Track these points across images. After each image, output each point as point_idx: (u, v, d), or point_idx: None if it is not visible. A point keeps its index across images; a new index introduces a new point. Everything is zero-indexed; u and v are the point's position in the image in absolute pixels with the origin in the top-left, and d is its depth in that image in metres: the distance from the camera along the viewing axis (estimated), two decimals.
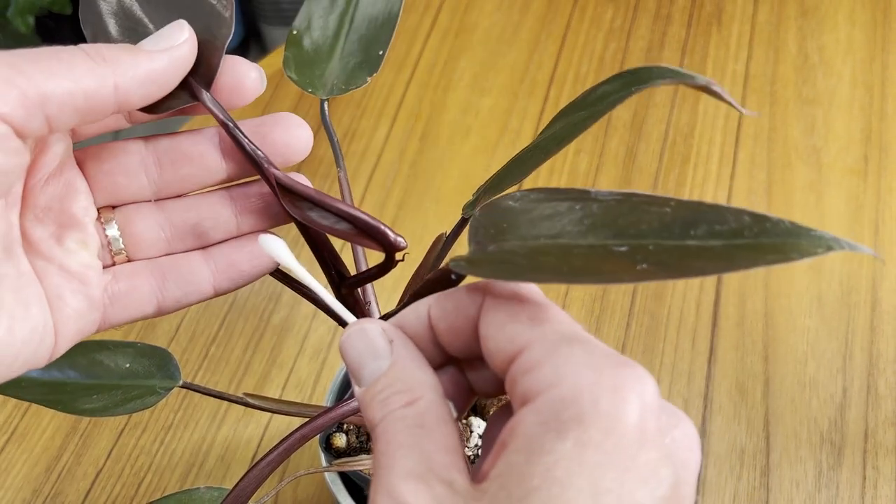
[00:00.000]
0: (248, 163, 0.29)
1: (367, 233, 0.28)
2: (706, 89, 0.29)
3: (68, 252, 0.28)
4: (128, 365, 0.39)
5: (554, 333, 0.23)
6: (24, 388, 0.39)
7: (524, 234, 0.25)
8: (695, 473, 0.23)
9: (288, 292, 0.65)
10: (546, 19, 0.81)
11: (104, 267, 0.30)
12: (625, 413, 0.21)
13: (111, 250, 0.30)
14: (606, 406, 0.21)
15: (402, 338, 0.25)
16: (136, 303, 0.30)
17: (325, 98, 0.36)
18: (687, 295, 0.62)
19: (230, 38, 0.29)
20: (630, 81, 0.29)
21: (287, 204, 0.29)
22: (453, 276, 0.28)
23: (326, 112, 0.37)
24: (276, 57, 0.78)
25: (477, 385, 0.26)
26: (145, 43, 0.28)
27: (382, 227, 0.28)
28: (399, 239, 0.29)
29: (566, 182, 0.69)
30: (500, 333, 0.23)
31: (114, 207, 0.30)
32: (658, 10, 0.81)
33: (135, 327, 0.63)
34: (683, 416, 0.23)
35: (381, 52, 0.35)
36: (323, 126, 0.38)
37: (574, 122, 0.29)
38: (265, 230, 0.31)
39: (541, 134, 0.31)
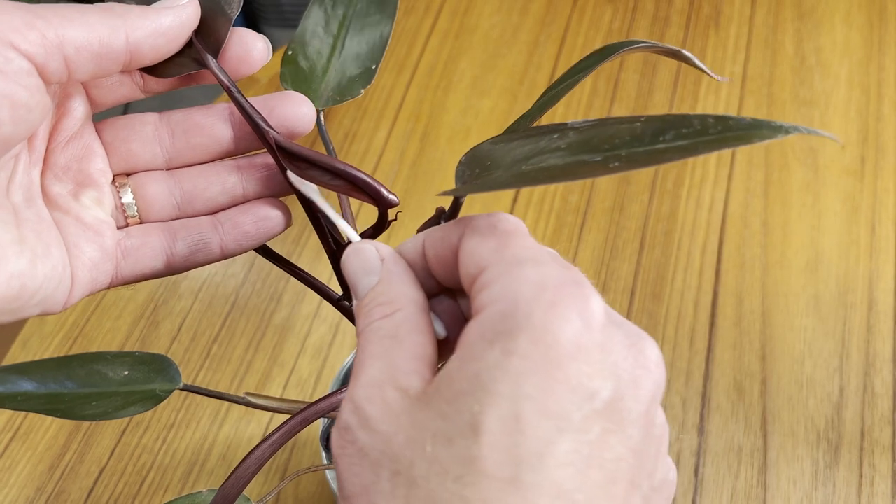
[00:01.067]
0: (251, 127, 0.31)
1: (361, 188, 0.30)
2: (677, 55, 0.30)
3: (84, 207, 0.30)
4: (126, 373, 0.39)
5: (513, 256, 0.24)
6: (20, 401, 0.39)
7: (508, 165, 0.27)
8: (648, 392, 0.23)
9: (289, 293, 0.65)
10: (545, 21, 0.81)
11: (118, 228, 0.32)
12: (557, 326, 0.22)
13: (125, 214, 0.32)
14: (539, 319, 0.22)
15: (393, 257, 0.27)
16: (146, 258, 0.31)
17: (320, 109, 0.37)
18: (685, 294, 0.62)
19: (238, 13, 0.31)
20: (606, 53, 0.31)
21: (287, 164, 0.31)
22: (443, 220, 0.29)
23: (322, 122, 0.38)
24: (277, 57, 0.78)
25: (469, 315, 0.27)
26: (157, 3, 0.30)
27: (375, 183, 0.30)
28: (392, 196, 0.30)
29: None
30: (470, 259, 0.24)
31: (128, 175, 0.32)
32: (656, 12, 0.81)
33: (138, 325, 0.63)
34: (645, 336, 0.24)
35: (373, 67, 0.36)
36: (319, 134, 0.38)
37: (556, 92, 0.31)
38: (270, 198, 0.33)
39: (531, 107, 0.32)
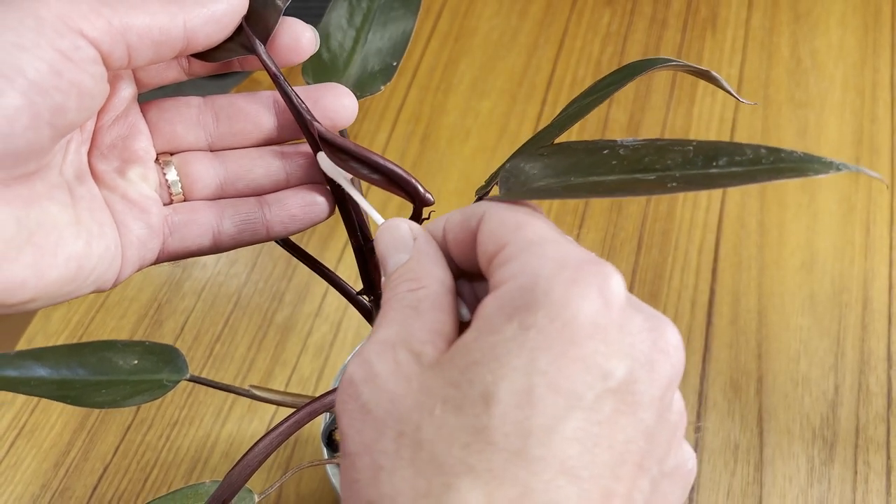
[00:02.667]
0: (294, 117, 0.31)
1: (399, 185, 0.30)
2: (706, 75, 0.30)
3: (130, 183, 0.30)
4: (136, 362, 0.40)
5: (534, 234, 0.23)
6: (34, 385, 0.39)
7: (554, 176, 0.27)
8: (665, 376, 0.23)
9: (291, 292, 0.65)
10: (544, 24, 0.81)
11: (164, 205, 0.32)
12: (576, 303, 0.21)
13: (170, 192, 0.32)
14: (558, 295, 0.21)
15: (425, 237, 0.27)
16: (193, 235, 0.31)
17: None
18: (682, 294, 0.63)
19: (289, 2, 0.31)
20: (634, 70, 0.31)
21: (329, 155, 0.31)
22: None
23: None
24: None
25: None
26: None
27: (414, 180, 0.30)
28: (428, 195, 0.30)
29: None
30: (489, 238, 0.24)
31: (172, 154, 0.32)
32: (654, 14, 0.81)
33: (142, 324, 0.63)
34: (665, 320, 0.23)
35: (394, 64, 0.36)
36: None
37: (583, 105, 0.32)
38: (316, 185, 0.33)
39: (556, 117, 0.33)
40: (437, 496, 0.21)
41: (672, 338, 0.23)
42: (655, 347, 0.22)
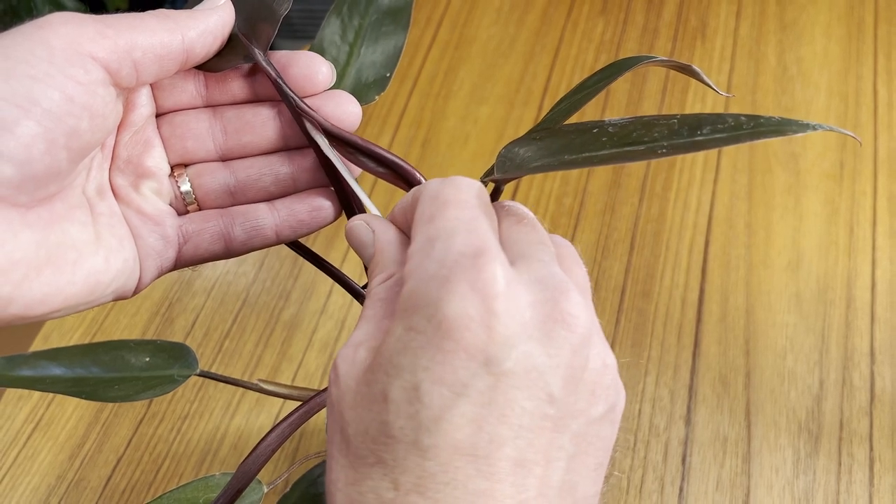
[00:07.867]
0: (294, 118, 0.31)
1: (402, 176, 0.30)
2: (687, 70, 0.31)
3: (144, 197, 0.31)
4: (147, 359, 0.40)
5: (435, 231, 0.24)
6: (49, 383, 0.39)
7: (549, 155, 0.28)
8: (566, 344, 0.23)
9: (297, 290, 0.65)
10: (540, 33, 0.81)
11: (179, 215, 0.32)
12: (446, 302, 0.22)
13: (185, 202, 0.32)
14: (433, 297, 0.22)
15: (381, 226, 0.28)
16: (206, 242, 0.32)
17: None
18: (673, 292, 0.63)
19: (286, 11, 0.32)
20: (621, 67, 0.31)
21: (338, 149, 0.31)
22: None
23: None
24: None
25: None
26: (196, 7, 0.31)
27: (416, 172, 0.30)
28: None
29: (558, 184, 0.70)
30: (412, 228, 0.25)
31: (185, 166, 0.33)
32: (646, 24, 0.82)
33: (153, 321, 0.63)
34: (562, 291, 0.23)
35: (388, 75, 0.37)
36: None
37: (575, 101, 0.32)
38: (322, 189, 0.33)
39: (549, 112, 0.33)
40: (359, 483, 0.23)
41: (567, 306, 0.23)
42: (549, 319, 0.23)
